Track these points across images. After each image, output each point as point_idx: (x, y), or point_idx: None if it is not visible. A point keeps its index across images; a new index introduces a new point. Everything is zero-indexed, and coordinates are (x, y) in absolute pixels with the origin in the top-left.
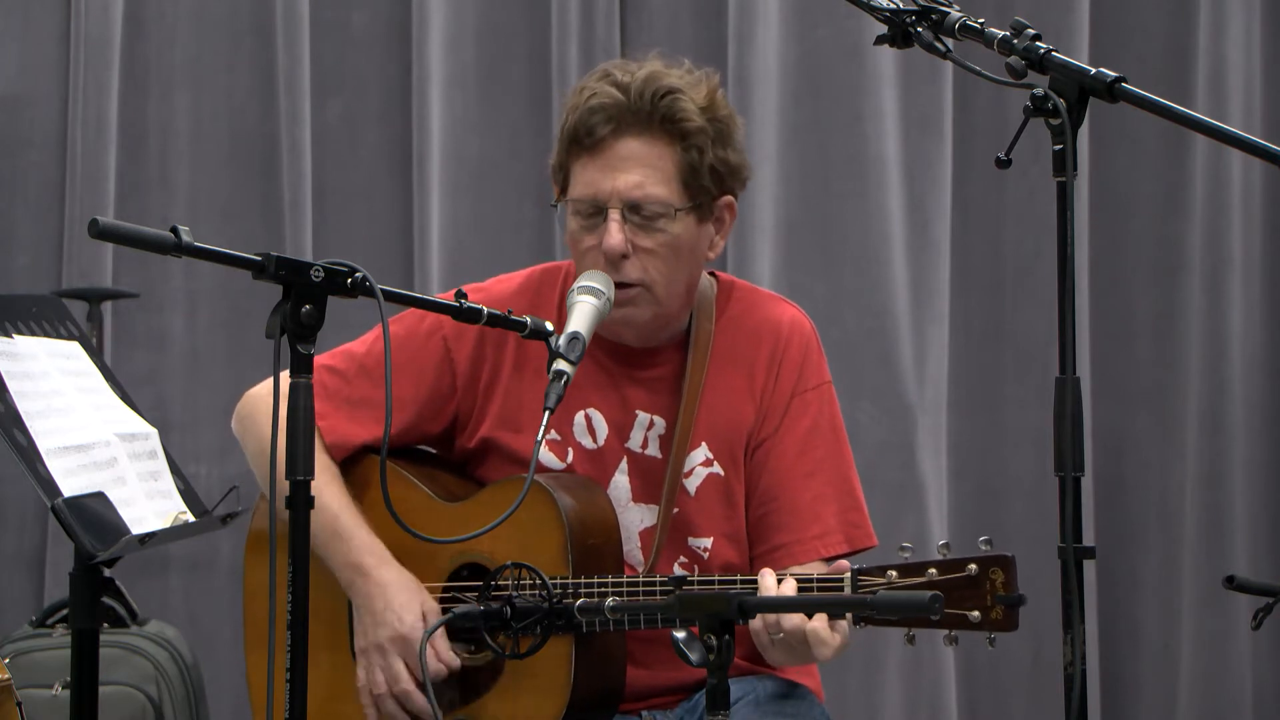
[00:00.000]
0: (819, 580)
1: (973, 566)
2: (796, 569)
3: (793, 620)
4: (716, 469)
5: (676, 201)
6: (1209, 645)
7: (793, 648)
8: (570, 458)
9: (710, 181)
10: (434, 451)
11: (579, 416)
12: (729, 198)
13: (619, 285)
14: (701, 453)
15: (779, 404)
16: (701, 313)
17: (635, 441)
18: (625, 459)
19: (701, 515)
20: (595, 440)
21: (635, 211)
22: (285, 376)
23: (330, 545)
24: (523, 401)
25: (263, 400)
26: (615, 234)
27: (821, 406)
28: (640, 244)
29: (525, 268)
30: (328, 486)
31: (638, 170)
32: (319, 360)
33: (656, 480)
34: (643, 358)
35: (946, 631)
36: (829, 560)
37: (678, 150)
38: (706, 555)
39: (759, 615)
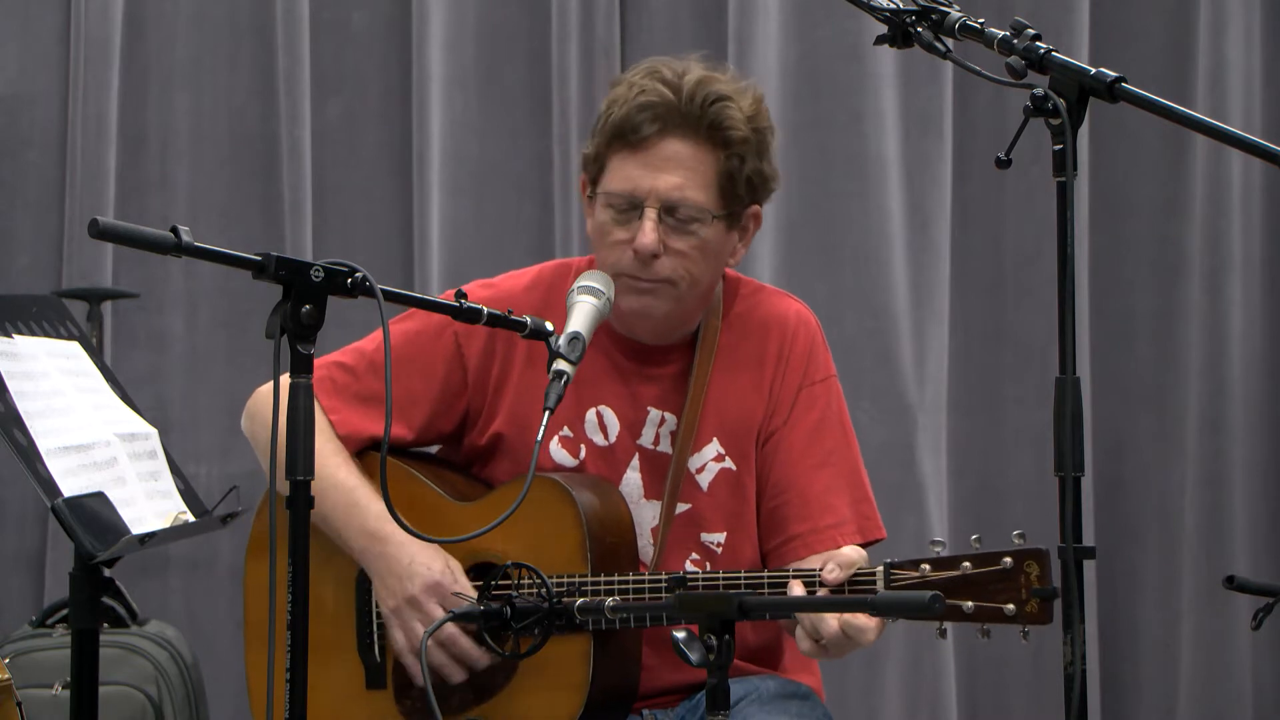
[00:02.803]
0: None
1: (1008, 560)
2: (826, 561)
3: (830, 626)
4: (729, 464)
5: (713, 208)
6: (1209, 645)
7: (841, 644)
8: (582, 454)
9: (745, 191)
10: (435, 453)
11: (590, 413)
12: (757, 207)
13: (641, 279)
14: (713, 448)
15: (787, 397)
16: (709, 310)
17: (647, 438)
18: (637, 455)
19: (714, 510)
20: (607, 437)
21: (670, 213)
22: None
23: (348, 515)
24: (535, 398)
25: (271, 396)
26: (650, 233)
27: (829, 400)
28: (672, 245)
29: (524, 267)
30: (342, 466)
31: (679, 172)
32: (329, 357)
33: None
34: (655, 355)
35: (980, 625)
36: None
37: (720, 157)
38: (719, 550)
39: (799, 630)
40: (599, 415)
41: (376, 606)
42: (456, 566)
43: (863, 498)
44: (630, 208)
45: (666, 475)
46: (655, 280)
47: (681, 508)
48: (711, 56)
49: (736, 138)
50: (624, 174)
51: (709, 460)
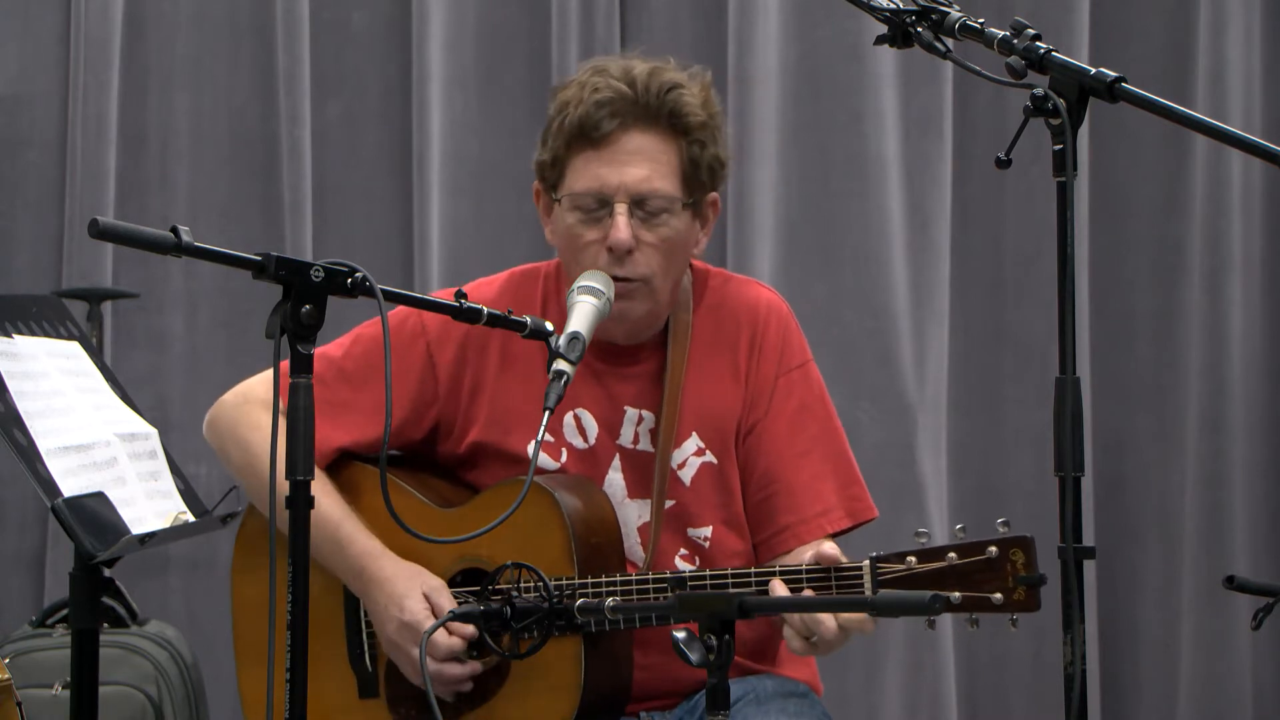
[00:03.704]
0: (835, 571)
1: (993, 549)
2: (811, 551)
3: (829, 629)
4: (709, 458)
5: (680, 196)
6: (1209, 645)
7: (834, 642)
8: (564, 458)
9: (707, 176)
10: (426, 458)
11: (569, 417)
12: (714, 194)
13: (618, 280)
14: (693, 443)
15: (764, 387)
16: (679, 304)
17: (626, 438)
18: (618, 456)
19: (699, 505)
20: (586, 440)
21: (640, 206)
22: (263, 379)
23: (333, 555)
24: (511, 405)
25: (237, 409)
26: (623, 228)
27: (808, 385)
28: (643, 238)
29: (521, 265)
30: (324, 496)
31: (645, 164)
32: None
33: (649, 475)
34: (628, 354)
35: (969, 615)
36: (836, 536)
37: (682, 145)
38: (707, 545)
39: (786, 628)
40: (577, 418)
41: (366, 616)
42: (435, 587)
43: (850, 480)
44: (599, 206)
45: (650, 474)
46: (631, 279)
47: (666, 504)
48: (650, 52)
49: (695, 123)
50: (590, 173)
51: (689, 455)
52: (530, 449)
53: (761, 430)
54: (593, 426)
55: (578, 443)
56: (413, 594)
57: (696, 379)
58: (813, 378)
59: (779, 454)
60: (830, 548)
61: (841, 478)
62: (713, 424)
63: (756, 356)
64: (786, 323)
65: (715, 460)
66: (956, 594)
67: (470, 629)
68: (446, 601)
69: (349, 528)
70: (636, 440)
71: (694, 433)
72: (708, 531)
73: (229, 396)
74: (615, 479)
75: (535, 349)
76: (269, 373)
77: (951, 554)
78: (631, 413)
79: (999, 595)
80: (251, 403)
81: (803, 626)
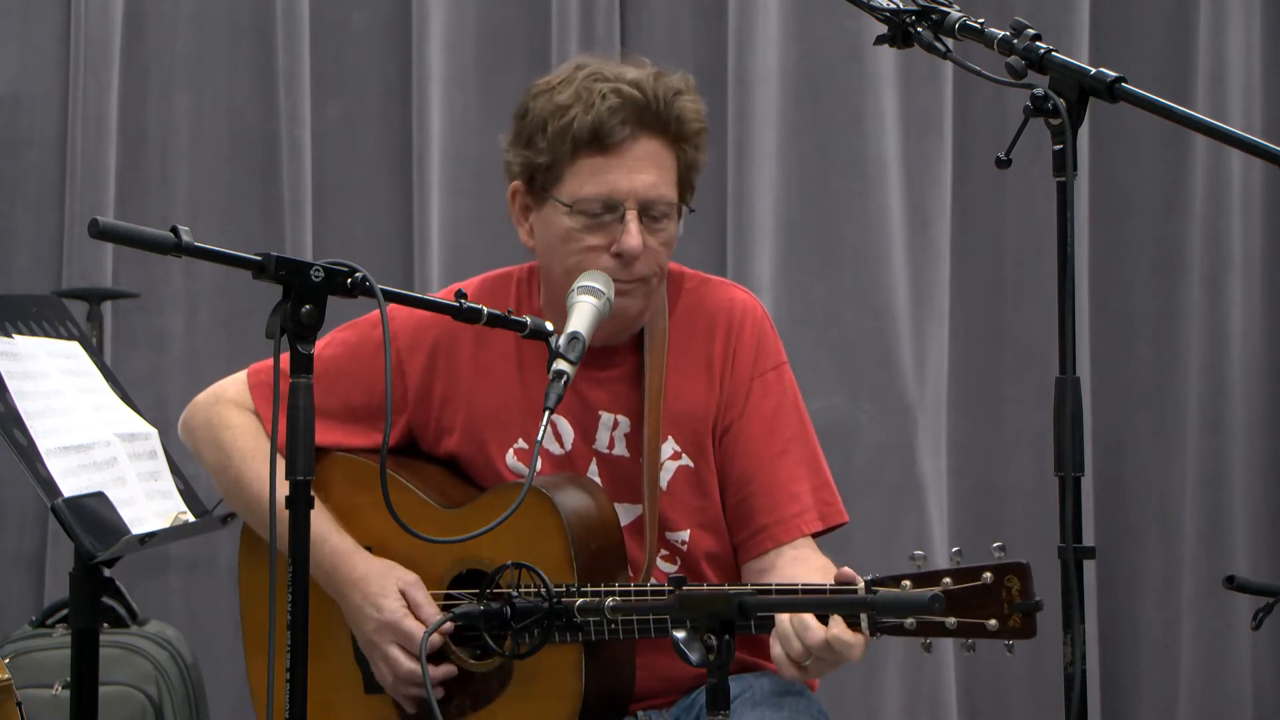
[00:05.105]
0: (831, 589)
1: (988, 575)
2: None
3: (815, 638)
4: (685, 461)
5: (678, 201)
6: (1209, 645)
7: (824, 660)
8: (539, 466)
9: (695, 180)
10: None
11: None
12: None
13: (619, 280)
14: (669, 446)
15: (739, 388)
16: (655, 310)
17: (602, 442)
18: (594, 460)
19: (676, 509)
20: (562, 445)
21: (645, 211)
22: (235, 380)
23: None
24: (486, 414)
25: (210, 409)
26: (636, 235)
27: (783, 387)
28: (647, 243)
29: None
30: None
31: (652, 170)
32: (268, 363)
33: (627, 480)
34: (600, 358)
35: (963, 640)
36: (818, 535)
37: (681, 151)
38: (685, 548)
39: (778, 646)
40: (552, 424)
41: None
42: (410, 582)
43: (823, 484)
44: (605, 211)
45: (627, 479)
46: (633, 280)
47: (641, 510)
48: (651, 53)
49: (694, 130)
50: (598, 178)
51: (665, 459)
52: (507, 458)
53: (737, 432)
54: (568, 431)
55: (554, 448)
56: (389, 592)
57: (672, 382)
58: (787, 379)
59: (755, 455)
60: (848, 570)
61: (815, 480)
62: (688, 427)
63: (731, 358)
64: (762, 324)
65: (691, 464)
66: (951, 620)
67: (448, 626)
68: (423, 596)
69: (320, 526)
70: (612, 445)
71: (670, 436)
72: (685, 535)
73: (202, 397)
74: None
75: (508, 357)
76: (242, 374)
77: (946, 579)
78: (606, 418)
79: (994, 622)
80: (223, 403)
81: (796, 648)
